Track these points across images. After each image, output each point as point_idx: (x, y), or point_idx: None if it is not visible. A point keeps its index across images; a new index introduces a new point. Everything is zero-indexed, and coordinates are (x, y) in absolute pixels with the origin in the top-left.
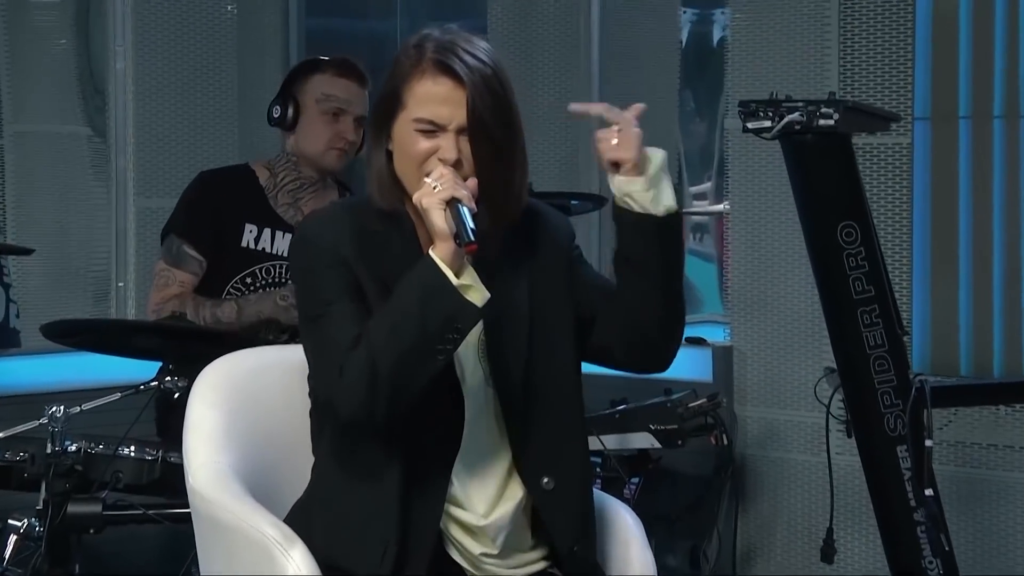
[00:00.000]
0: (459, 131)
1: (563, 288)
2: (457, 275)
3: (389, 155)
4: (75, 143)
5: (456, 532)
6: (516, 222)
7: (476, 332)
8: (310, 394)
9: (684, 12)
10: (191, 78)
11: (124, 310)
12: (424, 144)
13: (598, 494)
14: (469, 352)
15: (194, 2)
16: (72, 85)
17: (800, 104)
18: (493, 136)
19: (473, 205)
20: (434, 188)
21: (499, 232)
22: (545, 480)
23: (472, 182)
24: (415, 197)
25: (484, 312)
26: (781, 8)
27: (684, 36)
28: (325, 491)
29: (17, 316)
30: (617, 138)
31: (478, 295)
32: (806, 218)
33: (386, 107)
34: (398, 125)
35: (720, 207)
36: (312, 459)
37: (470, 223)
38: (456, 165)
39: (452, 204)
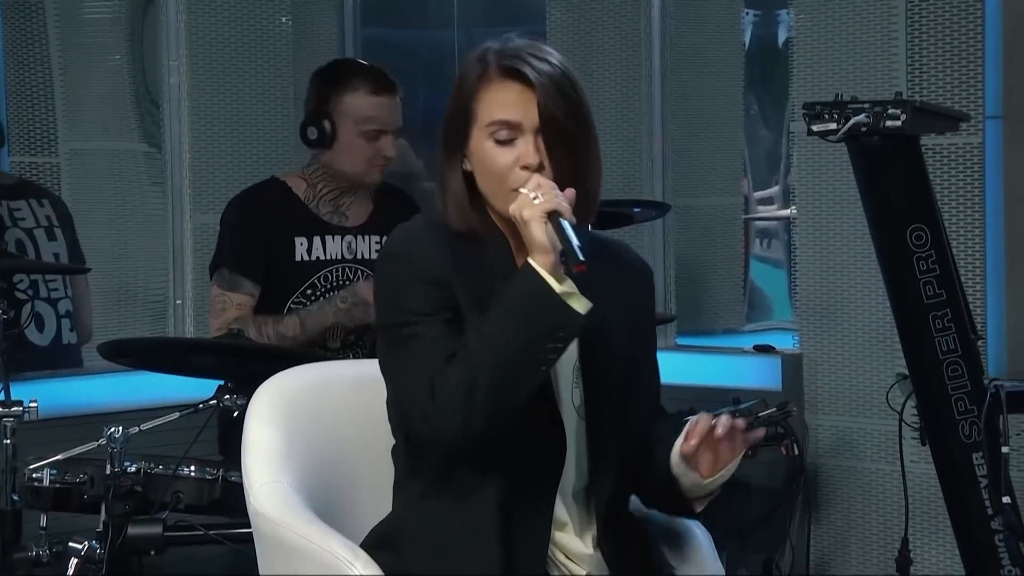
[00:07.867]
0: (535, 133)
1: (650, 330)
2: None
3: (465, 175)
4: (132, 160)
5: (560, 558)
6: (591, 223)
7: (573, 355)
8: (389, 417)
9: (747, 14)
10: (247, 92)
11: (182, 328)
12: (505, 157)
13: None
14: (566, 374)
15: (248, 15)
16: (127, 101)
17: (866, 105)
18: (567, 135)
19: (573, 217)
20: (534, 199)
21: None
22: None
23: (570, 192)
24: (512, 209)
25: (587, 320)
26: (846, 8)
27: (748, 38)
28: (419, 519)
29: (71, 330)
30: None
31: (580, 303)
32: (874, 222)
33: (457, 125)
34: (474, 141)
35: (787, 212)
36: (381, 476)
37: (576, 240)
38: (540, 169)
39: (553, 218)
